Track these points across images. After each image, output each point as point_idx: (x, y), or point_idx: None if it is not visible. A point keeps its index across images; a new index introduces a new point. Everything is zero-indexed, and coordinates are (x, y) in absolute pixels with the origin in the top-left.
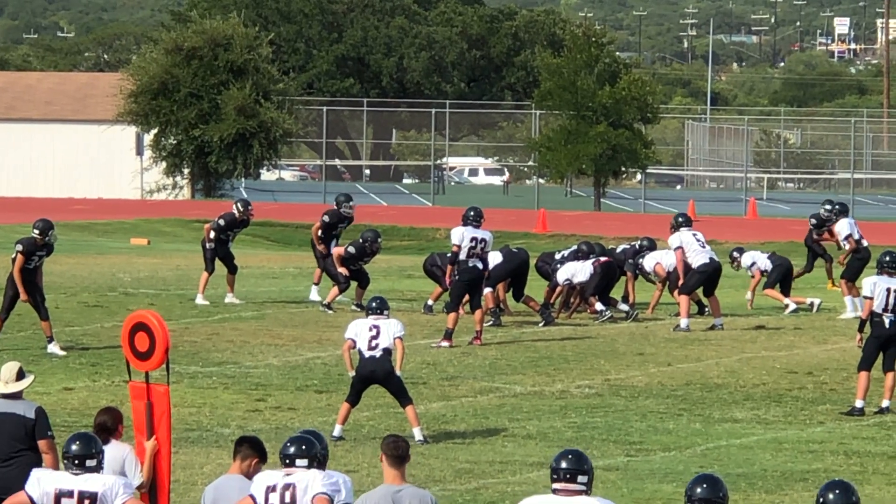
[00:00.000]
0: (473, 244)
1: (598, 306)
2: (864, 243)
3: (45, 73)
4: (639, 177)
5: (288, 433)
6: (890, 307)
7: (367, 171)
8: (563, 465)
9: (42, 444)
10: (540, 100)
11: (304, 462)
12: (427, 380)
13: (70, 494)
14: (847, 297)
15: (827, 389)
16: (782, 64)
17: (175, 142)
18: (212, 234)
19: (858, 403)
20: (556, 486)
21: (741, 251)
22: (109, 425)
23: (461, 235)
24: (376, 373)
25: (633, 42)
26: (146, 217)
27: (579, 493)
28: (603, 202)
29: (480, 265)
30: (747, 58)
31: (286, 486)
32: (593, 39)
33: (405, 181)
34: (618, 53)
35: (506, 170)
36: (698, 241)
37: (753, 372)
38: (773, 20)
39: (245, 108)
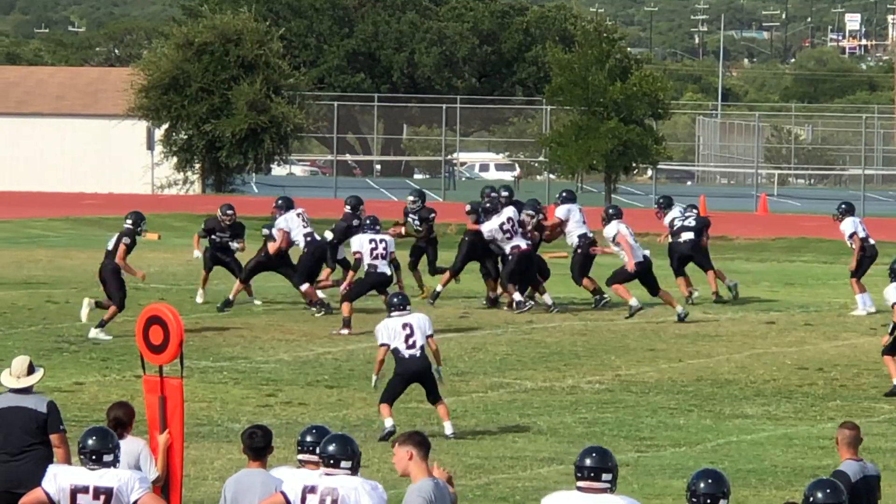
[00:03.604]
0: (374, 246)
1: (516, 297)
2: (871, 241)
3: (56, 68)
4: (650, 172)
5: (298, 428)
6: None
7: (378, 167)
8: (587, 462)
9: (54, 438)
10: (551, 95)
11: (349, 464)
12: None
13: (85, 490)
14: (858, 294)
15: (837, 385)
16: (793, 60)
17: (186, 137)
18: (200, 242)
19: None
20: (580, 483)
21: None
22: (124, 420)
23: (360, 242)
24: (420, 372)
25: (644, 38)
26: (157, 212)
27: (603, 490)
28: (614, 198)
29: (388, 270)
30: (758, 54)
31: (328, 491)
32: (604, 35)
33: (416, 176)
34: (629, 49)
35: (517, 165)
36: (631, 235)
37: (764, 368)
38: (784, 16)
39: (256, 104)
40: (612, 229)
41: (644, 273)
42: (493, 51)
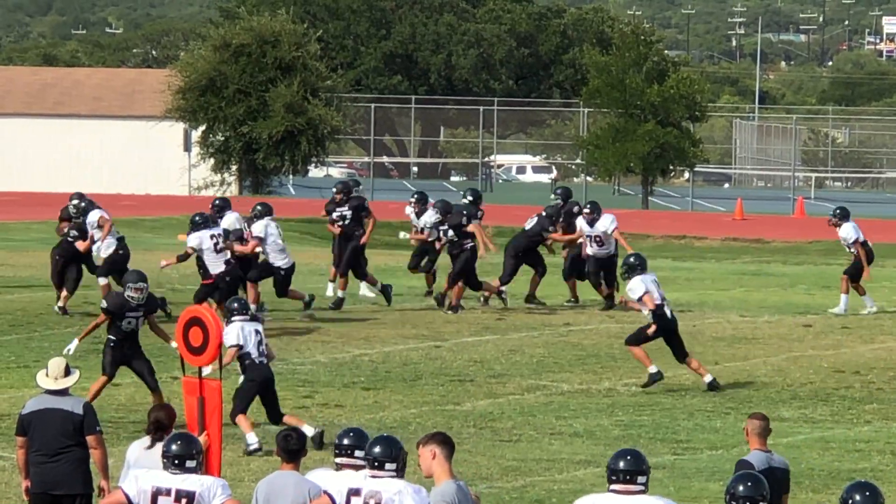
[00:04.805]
0: (216, 241)
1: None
2: (869, 244)
3: (93, 69)
4: (687, 175)
5: (335, 430)
6: (662, 298)
7: (415, 169)
8: (622, 465)
9: (91, 439)
10: (588, 98)
11: (393, 466)
12: (474, 377)
13: (167, 493)
14: (865, 296)
15: (874, 389)
16: (830, 63)
17: (223, 138)
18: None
19: (652, 369)
20: (614, 486)
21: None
22: (165, 422)
23: (200, 238)
24: (271, 380)
25: (681, 40)
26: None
27: (638, 492)
28: (651, 200)
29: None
30: (795, 56)
31: (372, 494)
32: (642, 37)
33: (453, 178)
34: (666, 52)
35: (554, 168)
36: (280, 234)
37: (800, 371)
38: (821, 19)
39: (293, 105)
40: (259, 228)
41: (288, 277)
42: (530, 53)
